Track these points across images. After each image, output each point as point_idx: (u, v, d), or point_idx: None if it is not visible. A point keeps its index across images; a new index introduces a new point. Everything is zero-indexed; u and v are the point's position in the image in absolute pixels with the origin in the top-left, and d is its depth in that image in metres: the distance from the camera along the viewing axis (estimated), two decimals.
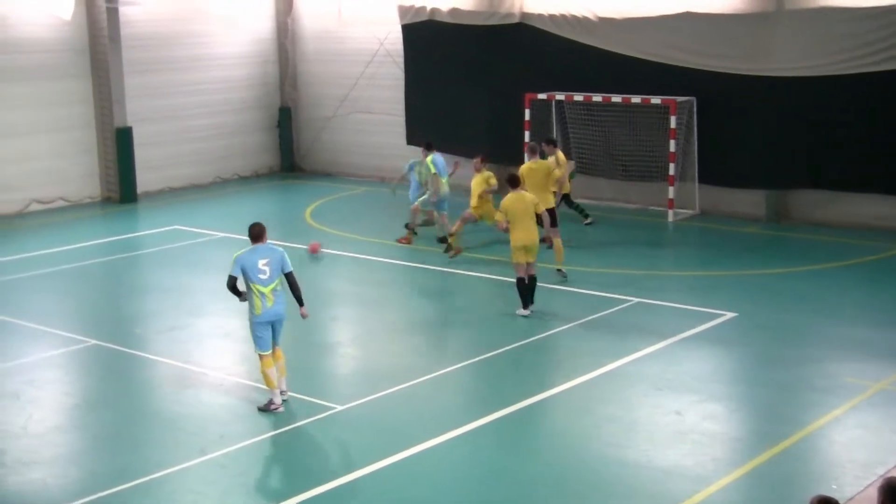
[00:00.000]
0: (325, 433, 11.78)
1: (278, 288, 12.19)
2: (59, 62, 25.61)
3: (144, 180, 26.65)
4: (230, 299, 12.76)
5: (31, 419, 12.26)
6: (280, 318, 12.30)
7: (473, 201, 19.30)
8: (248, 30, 29.31)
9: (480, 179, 19.35)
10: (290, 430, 11.78)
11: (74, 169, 26.11)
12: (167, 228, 22.69)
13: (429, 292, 18.00)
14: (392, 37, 27.23)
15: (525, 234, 15.50)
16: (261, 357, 12.25)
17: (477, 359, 13.99)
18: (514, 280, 15.95)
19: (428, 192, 20.24)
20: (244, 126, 29.40)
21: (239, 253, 12.11)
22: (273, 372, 12.25)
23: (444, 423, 11.80)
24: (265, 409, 12.26)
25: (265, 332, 12.18)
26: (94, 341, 15.06)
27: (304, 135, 30.20)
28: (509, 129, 24.22)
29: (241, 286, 12.11)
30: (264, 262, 12.00)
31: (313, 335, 15.12)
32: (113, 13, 25.65)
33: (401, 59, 27.12)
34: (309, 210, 23.90)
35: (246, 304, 12.25)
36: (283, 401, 12.37)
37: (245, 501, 10.17)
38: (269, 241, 12.31)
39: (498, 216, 15.94)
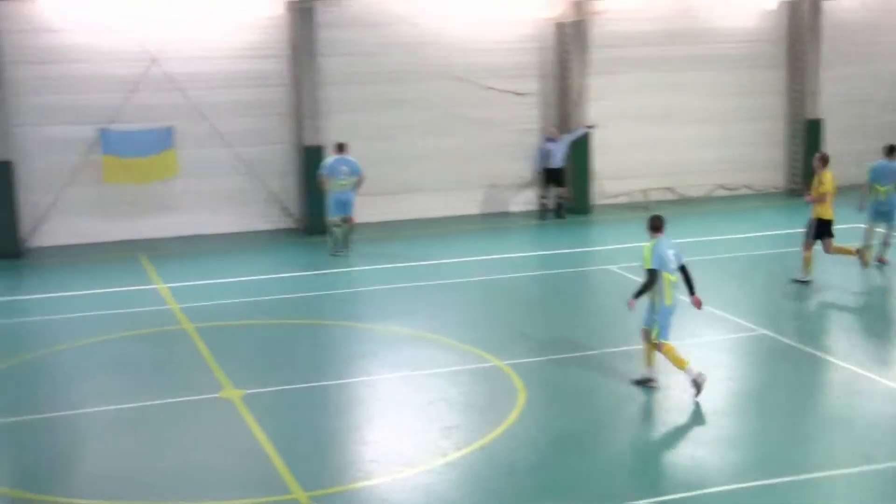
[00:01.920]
0: None
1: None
2: (758, 52, 26.07)
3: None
4: None
5: (699, 399, 12.61)
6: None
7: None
8: None
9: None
10: None
11: (761, 158, 26.49)
12: (847, 226, 22.04)
13: None
14: None
15: None
16: (663, 345, 12.44)
17: None
18: None
19: None
20: None
21: (652, 245, 12.30)
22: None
23: None
24: (643, 382, 12.66)
25: (672, 319, 12.51)
26: (763, 331, 15.17)
27: None
28: None
29: None
30: (672, 252, 12.39)
31: None
32: (815, 4, 25.42)
33: None
34: None
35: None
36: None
37: None
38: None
39: None
